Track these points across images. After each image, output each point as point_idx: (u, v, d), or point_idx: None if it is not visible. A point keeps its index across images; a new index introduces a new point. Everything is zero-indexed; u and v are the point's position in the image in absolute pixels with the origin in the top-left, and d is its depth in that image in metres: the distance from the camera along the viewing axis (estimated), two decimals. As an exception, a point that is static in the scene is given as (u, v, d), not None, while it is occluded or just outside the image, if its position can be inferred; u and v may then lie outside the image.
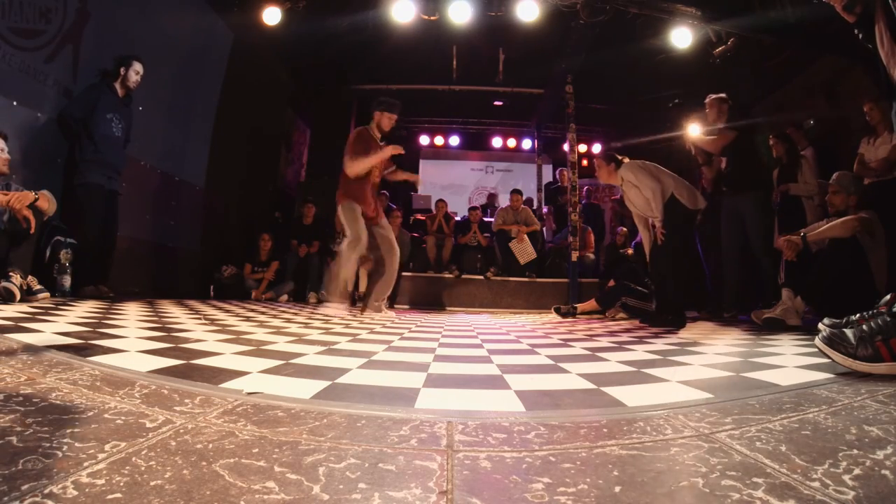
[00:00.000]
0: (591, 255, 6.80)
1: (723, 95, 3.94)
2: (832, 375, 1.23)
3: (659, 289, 3.49)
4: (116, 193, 3.78)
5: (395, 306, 5.96)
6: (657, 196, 3.23)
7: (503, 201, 9.06)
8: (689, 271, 3.53)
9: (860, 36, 1.59)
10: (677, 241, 3.29)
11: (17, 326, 1.65)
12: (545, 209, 8.58)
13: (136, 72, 3.79)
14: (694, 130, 4.07)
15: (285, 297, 5.64)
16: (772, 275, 3.62)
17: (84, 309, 2.50)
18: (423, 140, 10.07)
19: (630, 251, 5.95)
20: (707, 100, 3.99)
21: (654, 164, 3.41)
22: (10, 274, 2.60)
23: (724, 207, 3.94)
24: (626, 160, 3.49)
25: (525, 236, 6.38)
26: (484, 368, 1.47)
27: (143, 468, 0.61)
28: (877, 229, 2.75)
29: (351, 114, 8.13)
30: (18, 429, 0.71)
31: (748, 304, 3.56)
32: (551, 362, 1.60)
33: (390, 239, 3.85)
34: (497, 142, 10.03)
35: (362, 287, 5.94)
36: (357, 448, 0.73)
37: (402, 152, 3.82)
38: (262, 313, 3.36)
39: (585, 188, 8.53)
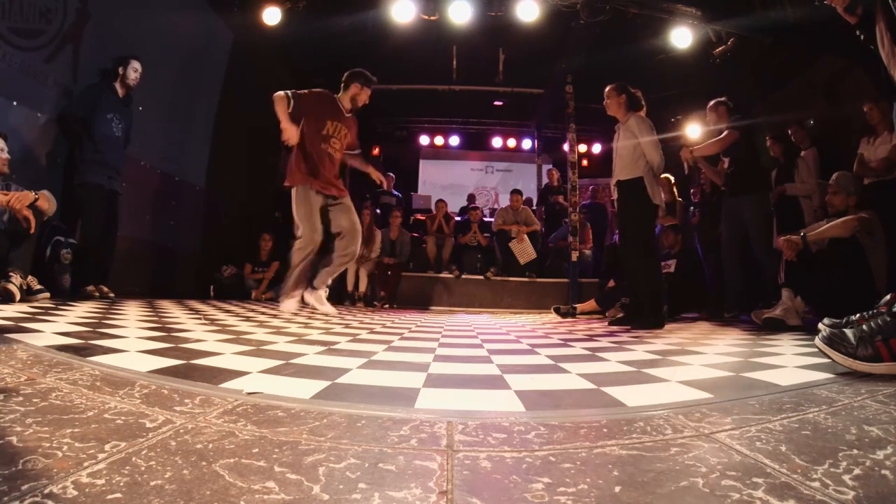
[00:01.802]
0: (588, 252, 6.80)
1: (721, 98, 3.93)
2: (832, 375, 1.23)
3: (633, 286, 3.37)
4: (116, 193, 3.78)
5: (396, 306, 5.97)
6: (656, 148, 3.17)
7: (503, 201, 9.05)
8: (658, 267, 3.45)
9: (862, 37, 1.59)
10: (637, 227, 3.23)
11: (17, 326, 1.65)
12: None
13: (134, 69, 3.79)
14: (690, 141, 3.95)
15: (285, 297, 5.63)
16: (773, 276, 3.61)
17: (84, 309, 2.50)
18: (423, 140, 10.08)
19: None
20: (708, 106, 3.98)
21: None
22: (10, 274, 2.60)
23: (723, 208, 3.92)
24: (643, 103, 3.37)
25: (525, 236, 6.38)
26: (484, 368, 1.47)
27: (143, 468, 0.61)
28: (876, 229, 2.74)
29: (351, 114, 8.13)
30: (18, 429, 0.71)
31: (749, 304, 3.56)
32: (551, 362, 1.60)
33: (353, 220, 3.31)
34: (497, 142, 10.03)
35: (362, 287, 5.96)
36: (357, 448, 0.73)
37: (382, 182, 3.72)
38: (262, 313, 3.36)
39: (591, 188, 8.53)
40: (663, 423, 0.87)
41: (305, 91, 3.21)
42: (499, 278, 6.36)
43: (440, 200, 7.07)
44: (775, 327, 2.75)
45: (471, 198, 9.11)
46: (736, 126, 3.73)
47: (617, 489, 0.60)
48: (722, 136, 3.73)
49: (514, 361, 1.65)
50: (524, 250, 6.34)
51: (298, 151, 3.20)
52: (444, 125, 9.87)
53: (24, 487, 0.54)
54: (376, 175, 3.62)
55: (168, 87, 4.86)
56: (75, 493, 0.54)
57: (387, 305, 5.91)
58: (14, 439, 0.67)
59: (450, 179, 10.49)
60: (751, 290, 3.76)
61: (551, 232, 7.55)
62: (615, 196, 3.40)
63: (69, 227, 3.51)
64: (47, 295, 2.89)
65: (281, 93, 3.11)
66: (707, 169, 4.11)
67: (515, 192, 6.73)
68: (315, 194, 3.23)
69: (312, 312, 3.42)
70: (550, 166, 9.74)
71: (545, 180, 9.15)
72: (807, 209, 4.13)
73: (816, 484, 0.60)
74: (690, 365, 1.51)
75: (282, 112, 3.08)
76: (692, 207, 5.29)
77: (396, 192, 8.08)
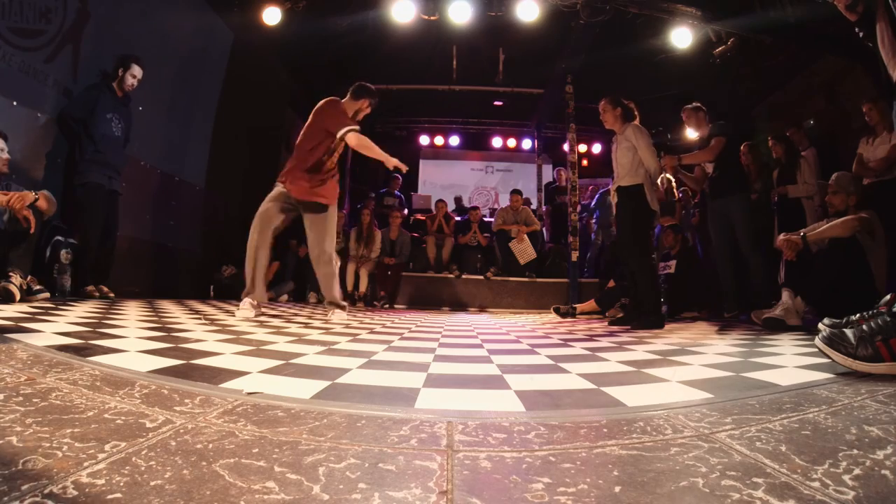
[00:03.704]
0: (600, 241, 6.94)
1: (697, 104, 4.03)
2: (832, 375, 1.23)
3: (633, 286, 3.45)
4: (116, 193, 3.78)
5: (396, 306, 5.97)
6: (653, 155, 3.25)
7: (503, 201, 9.04)
8: (655, 269, 3.54)
9: (861, 35, 1.58)
10: (635, 230, 3.31)
11: (17, 326, 1.65)
12: (543, 208, 8.60)
13: (132, 75, 3.76)
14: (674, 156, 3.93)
15: (285, 297, 5.64)
16: (763, 274, 3.66)
17: (84, 309, 2.50)
18: (423, 140, 10.07)
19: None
20: (683, 111, 4.08)
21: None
22: (10, 274, 2.60)
23: (710, 210, 4.01)
24: (636, 113, 3.43)
25: (525, 236, 6.39)
26: (484, 368, 1.47)
27: (143, 468, 0.61)
28: (877, 229, 2.74)
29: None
30: (18, 429, 0.71)
31: (749, 304, 3.57)
32: (551, 362, 1.60)
33: (313, 238, 3.27)
34: (497, 142, 10.03)
35: (362, 287, 5.96)
36: (357, 448, 0.73)
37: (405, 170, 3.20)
38: (262, 313, 3.36)
39: (590, 188, 8.54)
40: (663, 423, 0.87)
41: (340, 105, 3.15)
42: (499, 278, 6.36)
43: (440, 200, 7.07)
44: (775, 327, 2.75)
45: (458, 200, 9.15)
46: (722, 132, 3.80)
47: (617, 489, 0.60)
48: (712, 144, 3.81)
49: (514, 361, 1.64)
50: (524, 250, 6.34)
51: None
52: (444, 125, 9.86)
53: (24, 487, 0.54)
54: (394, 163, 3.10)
55: (168, 87, 4.86)
56: (75, 493, 0.54)
57: (387, 305, 5.91)
58: (14, 439, 0.67)
59: (450, 179, 10.48)
60: (745, 289, 3.82)
61: (556, 232, 7.56)
62: (615, 200, 3.48)
63: (69, 227, 3.50)
64: (47, 295, 2.89)
65: (354, 135, 3.02)
66: (688, 179, 4.19)
67: (515, 192, 6.73)
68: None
69: (312, 313, 3.42)
70: (550, 165, 9.76)
71: (546, 180, 9.16)
72: (808, 209, 4.13)
73: (816, 484, 0.60)
74: (690, 365, 1.51)
75: (375, 152, 3.04)
76: (692, 208, 5.30)
77: (399, 194, 8.10)
